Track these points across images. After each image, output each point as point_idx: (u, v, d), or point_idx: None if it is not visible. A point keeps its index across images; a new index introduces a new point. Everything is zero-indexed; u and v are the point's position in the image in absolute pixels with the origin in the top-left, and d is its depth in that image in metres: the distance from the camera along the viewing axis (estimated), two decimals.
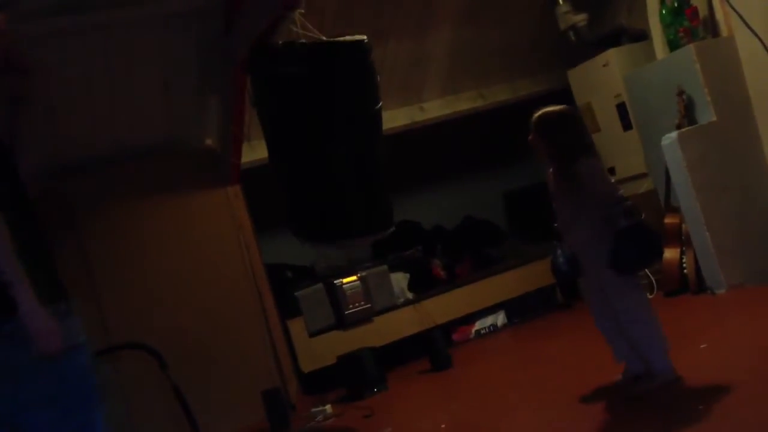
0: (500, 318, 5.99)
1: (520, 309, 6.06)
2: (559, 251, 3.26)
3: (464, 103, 6.24)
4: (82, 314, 4.70)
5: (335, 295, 5.50)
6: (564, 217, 3.25)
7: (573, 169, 3.12)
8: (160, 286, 4.91)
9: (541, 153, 3.25)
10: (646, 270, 5.16)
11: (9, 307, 1.88)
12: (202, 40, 4.47)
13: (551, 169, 3.29)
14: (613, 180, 3.38)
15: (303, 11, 3.61)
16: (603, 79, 5.68)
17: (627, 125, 5.57)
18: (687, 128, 4.66)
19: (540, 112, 3.22)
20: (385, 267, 5.77)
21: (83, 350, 2.06)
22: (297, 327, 5.43)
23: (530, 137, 3.23)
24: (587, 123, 5.93)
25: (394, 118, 5.88)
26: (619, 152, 5.71)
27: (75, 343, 2.02)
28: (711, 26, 4.89)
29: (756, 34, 4.43)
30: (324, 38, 3.59)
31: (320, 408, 4.76)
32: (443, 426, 3.73)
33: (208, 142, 5.29)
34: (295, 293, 5.46)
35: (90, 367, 2.10)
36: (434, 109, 6.11)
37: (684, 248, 4.85)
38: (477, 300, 5.99)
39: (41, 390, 1.94)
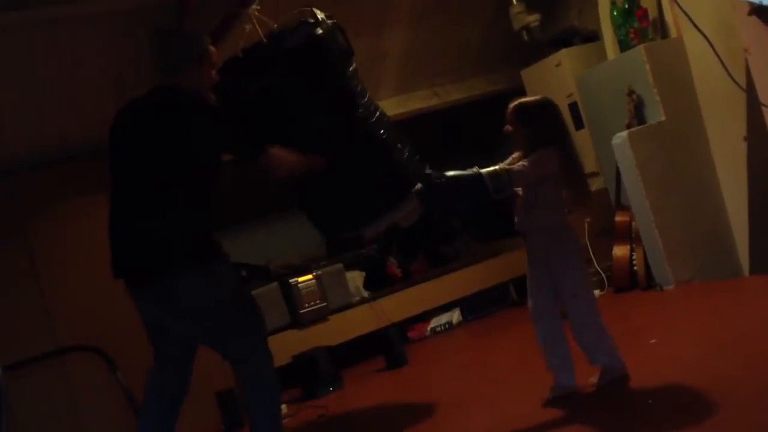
0: (455, 316, 6.03)
1: (474, 306, 6.10)
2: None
3: (418, 101, 6.26)
4: (29, 316, 4.60)
5: (290, 294, 5.47)
6: (520, 207, 3.15)
7: (528, 155, 3.03)
8: (108, 286, 4.81)
9: (517, 142, 3.14)
10: (597, 266, 5.25)
11: None
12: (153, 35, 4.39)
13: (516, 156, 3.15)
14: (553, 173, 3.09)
15: (259, 7, 3.56)
16: (555, 78, 5.75)
17: (579, 124, 5.65)
18: (637, 128, 4.74)
19: (518, 101, 3.15)
20: (340, 265, 5.75)
21: None
22: None
23: (507, 126, 3.12)
24: None
25: None
26: None
27: None
28: (660, 27, 4.98)
29: (704, 35, 4.53)
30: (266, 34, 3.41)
31: None
32: (399, 424, 3.73)
33: None
34: (250, 293, 5.41)
35: None
36: (389, 107, 6.10)
37: (633, 246, 4.94)
38: (432, 298, 6.01)
39: None
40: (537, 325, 3.17)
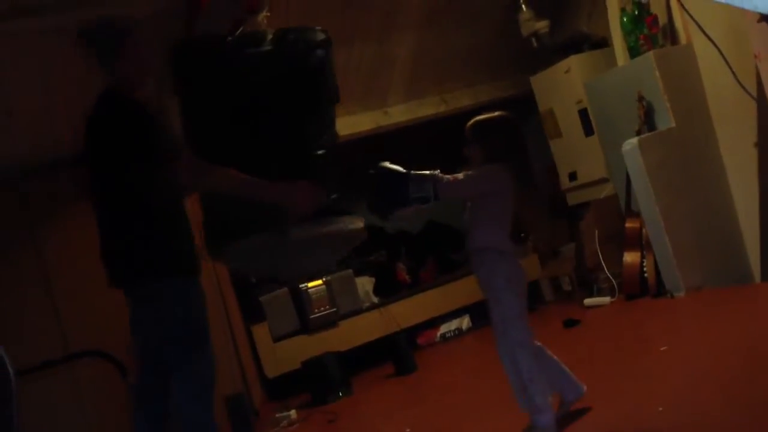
0: (465, 321, 6.02)
1: (484, 312, 6.04)
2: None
3: (427, 108, 6.26)
4: (39, 320, 4.62)
5: (300, 299, 5.48)
6: (466, 222, 2.98)
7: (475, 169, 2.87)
8: (118, 291, 4.84)
9: (474, 161, 2.94)
10: (608, 273, 5.23)
11: None
12: (164, 43, 4.41)
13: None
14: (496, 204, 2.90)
15: (268, 14, 3.57)
16: (565, 85, 5.74)
17: (589, 131, 5.64)
18: (647, 134, 4.73)
19: (475, 118, 2.98)
20: (350, 271, 5.76)
21: None
22: (261, 332, 5.39)
23: (466, 149, 2.95)
24: (549, 129, 6.02)
25: (359, 123, 5.88)
26: (581, 157, 5.78)
27: None
28: (670, 34, 4.97)
29: (713, 42, 4.52)
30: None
31: (284, 413, 4.73)
32: (407, 430, 3.73)
33: None
34: (259, 298, 5.43)
35: None
36: (398, 113, 6.13)
37: (644, 252, 4.92)
38: (442, 304, 6.01)
39: None
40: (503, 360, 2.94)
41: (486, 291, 2.96)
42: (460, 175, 2.83)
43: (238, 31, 3.13)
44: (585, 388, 3.05)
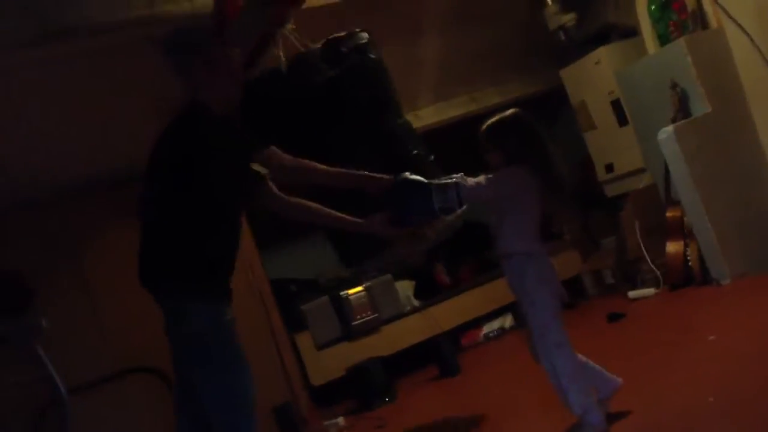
0: (508, 320, 5.98)
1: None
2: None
3: (457, 108, 6.25)
4: (84, 338, 4.68)
5: (341, 306, 5.50)
6: (493, 227, 2.91)
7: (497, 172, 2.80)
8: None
9: (495, 166, 2.85)
10: (651, 264, 5.16)
11: None
12: None
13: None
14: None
15: (294, 27, 3.60)
16: (596, 76, 5.70)
17: (623, 121, 5.59)
18: (682, 121, 4.67)
19: (487, 122, 2.89)
20: (389, 276, 5.76)
21: None
22: (304, 340, 5.42)
23: (490, 155, 2.86)
24: (583, 121, 5.97)
25: None
26: (617, 148, 5.72)
27: None
28: (700, 18, 4.90)
29: (741, 27, 4.45)
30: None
31: (332, 421, 4.75)
32: None
33: None
34: (301, 307, 5.46)
35: None
36: (428, 116, 6.12)
37: (687, 241, 4.85)
38: (483, 303, 5.98)
39: None
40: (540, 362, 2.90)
41: (519, 295, 2.90)
42: (482, 179, 2.76)
43: (275, 47, 3.22)
44: (621, 380, 2.98)
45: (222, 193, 2.66)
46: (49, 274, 4.63)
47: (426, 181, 2.73)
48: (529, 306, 2.84)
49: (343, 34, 3.46)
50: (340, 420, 4.76)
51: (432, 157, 3.42)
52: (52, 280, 4.66)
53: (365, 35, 3.29)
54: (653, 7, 5.05)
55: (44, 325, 3.15)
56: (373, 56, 3.36)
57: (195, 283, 2.69)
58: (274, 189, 2.87)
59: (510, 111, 2.90)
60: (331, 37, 3.44)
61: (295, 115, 3.24)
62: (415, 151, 3.34)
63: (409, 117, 6.03)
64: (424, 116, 6.11)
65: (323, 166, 2.81)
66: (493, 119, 2.89)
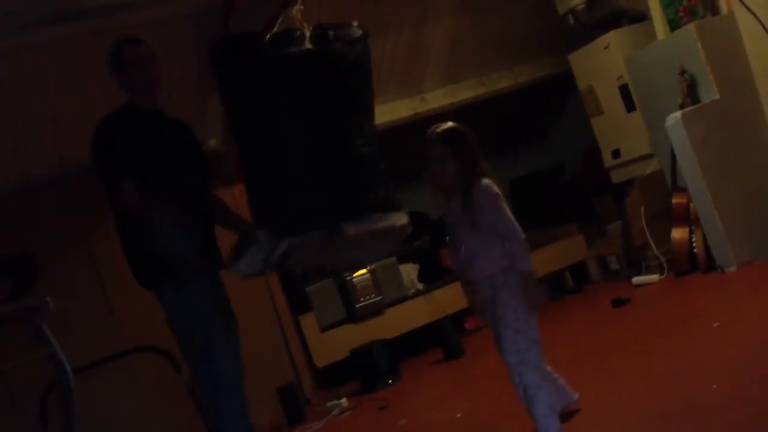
0: None
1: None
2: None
3: (465, 91, 6.23)
4: (95, 319, 4.71)
5: (345, 288, 5.52)
6: (465, 251, 2.80)
7: (472, 193, 2.69)
8: None
9: (445, 177, 2.72)
10: (656, 250, 5.16)
11: None
12: (201, 41, 4.47)
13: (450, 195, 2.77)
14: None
15: (302, 7, 3.58)
16: (604, 61, 5.66)
17: (630, 107, 5.56)
18: (690, 107, 4.64)
19: (442, 128, 2.73)
20: (393, 259, 5.78)
21: None
22: (309, 322, 5.45)
23: (440, 163, 2.70)
24: (590, 106, 5.95)
25: (396, 110, 5.87)
26: (624, 134, 5.70)
27: None
28: (710, 4, 4.86)
29: (752, 12, 4.41)
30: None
31: (335, 401, 4.79)
32: (458, 415, 3.74)
33: (212, 142, 5.29)
34: (306, 288, 5.48)
35: None
36: (436, 99, 6.10)
37: (692, 228, 4.84)
38: None
39: None
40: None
41: (493, 305, 2.81)
42: (500, 211, 2.70)
43: (275, 28, 3.12)
44: (577, 395, 2.97)
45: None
46: (58, 258, 4.65)
47: (259, 240, 2.71)
48: (506, 308, 2.77)
49: (338, 23, 3.39)
50: (344, 401, 4.80)
51: (383, 163, 3.07)
52: (62, 263, 4.68)
53: (359, 32, 3.21)
54: None
55: (50, 305, 3.19)
56: (356, 52, 3.19)
57: (159, 274, 2.96)
58: None
59: (452, 123, 2.78)
60: (325, 23, 3.39)
61: (262, 82, 3.08)
62: (365, 149, 3.02)
63: (416, 100, 6.08)
64: (432, 99, 6.09)
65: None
66: (446, 125, 2.75)
